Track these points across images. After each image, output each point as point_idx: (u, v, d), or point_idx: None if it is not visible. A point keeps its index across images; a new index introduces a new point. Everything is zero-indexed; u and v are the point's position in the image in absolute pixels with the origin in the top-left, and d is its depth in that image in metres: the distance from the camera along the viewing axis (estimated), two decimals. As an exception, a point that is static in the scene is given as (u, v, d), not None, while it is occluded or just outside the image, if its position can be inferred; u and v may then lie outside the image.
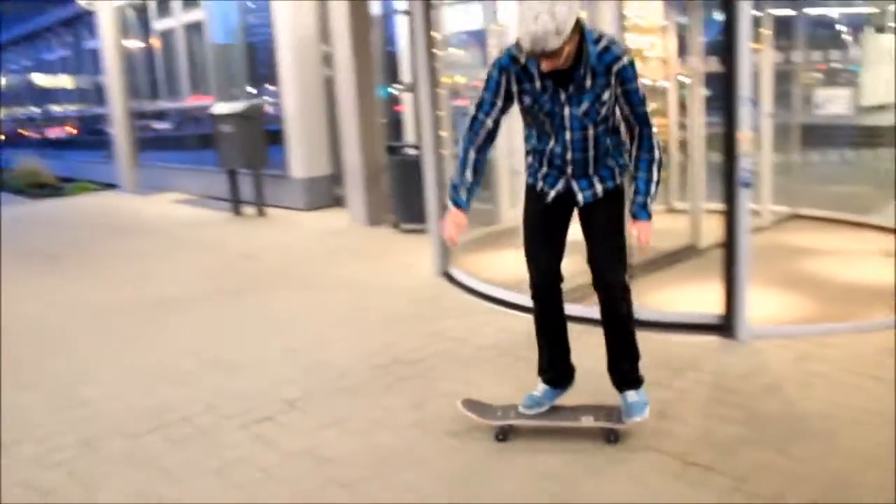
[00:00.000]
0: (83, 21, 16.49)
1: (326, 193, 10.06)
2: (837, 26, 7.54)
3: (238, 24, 11.31)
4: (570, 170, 3.20)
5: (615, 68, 3.00)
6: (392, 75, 9.60)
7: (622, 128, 3.22)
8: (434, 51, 6.15)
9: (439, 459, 3.31)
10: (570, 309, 3.46)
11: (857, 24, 7.45)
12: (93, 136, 18.00)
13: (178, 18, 12.51)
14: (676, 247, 6.09)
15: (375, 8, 8.95)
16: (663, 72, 6.71)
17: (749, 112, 4.21)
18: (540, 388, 3.49)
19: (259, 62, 11.17)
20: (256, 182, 9.96)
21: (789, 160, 7.28)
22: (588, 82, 3.02)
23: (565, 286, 3.39)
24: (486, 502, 2.98)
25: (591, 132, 3.12)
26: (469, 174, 3.23)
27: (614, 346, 3.39)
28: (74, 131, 20.24)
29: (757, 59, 6.21)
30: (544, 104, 3.10)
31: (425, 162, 6.26)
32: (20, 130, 25.07)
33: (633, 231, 3.22)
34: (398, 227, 8.13)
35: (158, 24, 13.13)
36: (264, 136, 10.00)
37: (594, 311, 3.41)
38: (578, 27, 2.91)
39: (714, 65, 6.03)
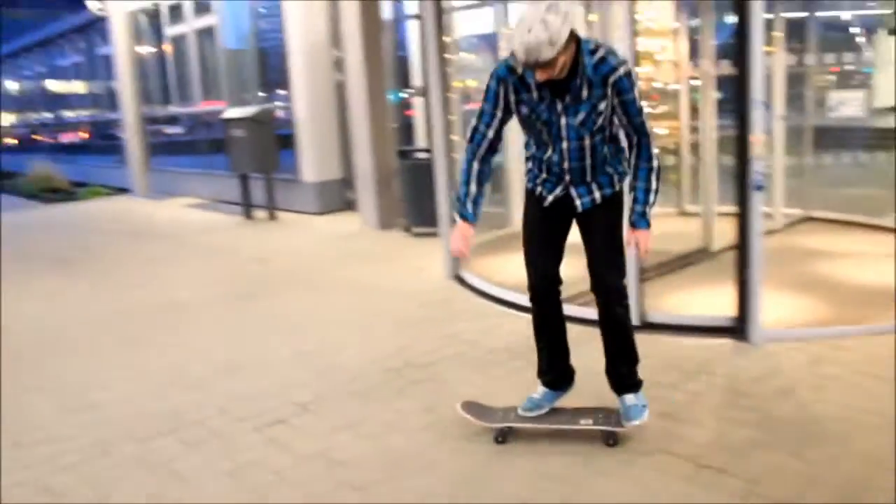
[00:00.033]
0: (96, 27, 16.59)
1: (338, 197, 10.08)
2: (850, 28, 7.51)
3: (250, 30, 11.36)
4: (567, 178, 3.23)
5: (611, 79, 3.01)
6: (403, 80, 9.62)
7: (621, 135, 3.23)
8: (445, 55, 6.16)
9: (452, 463, 3.30)
10: (574, 311, 3.46)
11: (870, 26, 7.42)
12: (105, 140, 18.10)
13: (190, 24, 12.57)
14: (688, 250, 6.08)
15: (386, 12, 8.97)
16: (675, 75, 6.70)
17: (761, 115, 4.20)
18: (539, 390, 3.51)
19: (270, 67, 11.21)
20: (268, 186, 9.99)
21: (802, 163, 7.26)
22: (584, 93, 3.04)
23: (573, 290, 3.39)
24: (505, 502, 2.98)
25: (587, 142, 3.15)
26: (473, 186, 3.25)
27: (612, 350, 3.41)
28: (87, 136, 20.35)
29: (769, 61, 6.19)
30: (541, 114, 3.13)
31: (437, 166, 6.27)
32: (34, 135, 25.24)
33: (633, 240, 3.24)
34: (409, 231, 8.14)
35: (170, 30, 13.19)
36: (275, 140, 10.04)
37: (595, 313, 3.42)
38: (574, 38, 2.94)
39: (726, 68, 6.03)
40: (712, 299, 4.90)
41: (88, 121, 20.30)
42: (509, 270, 5.83)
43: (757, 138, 4.19)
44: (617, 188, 3.28)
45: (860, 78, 7.16)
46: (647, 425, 3.44)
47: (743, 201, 4.26)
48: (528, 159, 3.36)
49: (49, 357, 5.12)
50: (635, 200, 3.20)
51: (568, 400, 3.53)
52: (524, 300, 5.02)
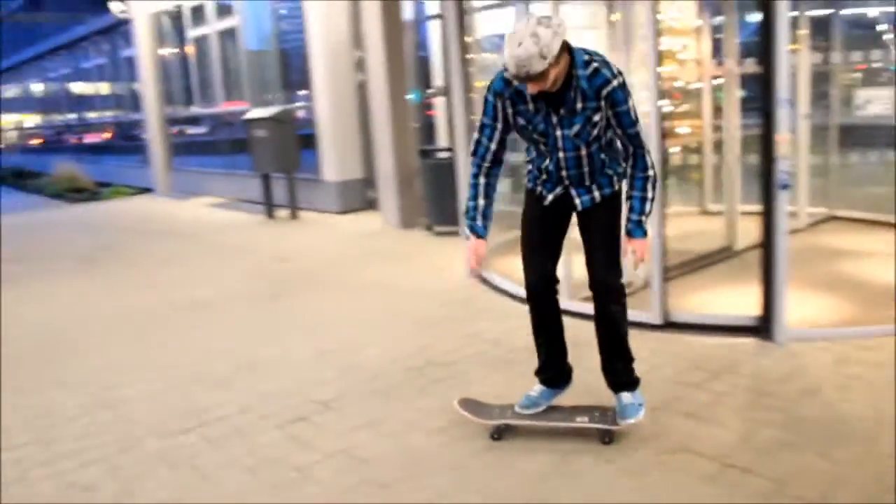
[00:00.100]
0: (120, 30, 16.74)
1: (359, 196, 10.11)
2: (877, 25, 7.42)
3: (271, 31, 11.42)
4: (566, 182, 3.26)
5: (605, 91, 3.02)
6: (424, 80, 9.63)
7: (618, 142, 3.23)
8: (467, 55, 6.15)
9: (473, 462, 3.30)
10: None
11: (897, 23, 7.33)
12: (128, 141, 18.26)
13: (212, 25, 12.66)
14: (712, 249, 6.04)
15: (408, 13, 8.99)
16: (697, 73, 6.65)
17: (787, 113, 4.16)
18: (537, 388, 3.53)
19: (292, 68, 11.26)
20: (290, 185, 10.04)
21: (827, 161, 7.18)
22: (579, 105, 3.06)
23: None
24: (522, 502, 2.96)
25: (584, 151, 3.18)
26: (482, 201, 3.28)
27: (608, 348, 3.41)
28: (110, 136, 20.54)
29: (794, 60, 6.13)
30: (538, 125, 3.15)
31: (458, 165, 6.26)
32: (58, 136, 25.51)
33: (630, 249, 3.24)
34: (431, 230, 8.15)
35: (193, 32, 13.28)
36: (297, 140, 10.09)
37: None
38: (566, 50, 2.94)
39: (750, 66, 5.98)
40: (736, 299, 4.87)
41: (112, 122, 20.48)
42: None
43: (782, 137, 4.15)
44: (616, 188, 3.30)
45: (887, 75, 7.06)
46: (671, 424, 3.43)
47: (768, 200, 4.23)
48: (528, 162, 3.40)
49: (73, 354, 5.17)
50: (631, 209, 3.22)
51: (567, 397, 3.54)
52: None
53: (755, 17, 4.19)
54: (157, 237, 9.95)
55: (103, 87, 21.04)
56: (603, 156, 3.21)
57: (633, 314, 4.56)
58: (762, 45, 4.15)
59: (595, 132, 3.11)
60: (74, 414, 4.13)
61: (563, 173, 3.23)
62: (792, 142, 5.42)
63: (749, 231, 5.33)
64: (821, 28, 6.94)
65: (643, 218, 3.21)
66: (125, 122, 18.82)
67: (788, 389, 3.76)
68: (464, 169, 6.17)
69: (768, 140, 4.17)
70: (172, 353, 5.05)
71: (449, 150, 7.79)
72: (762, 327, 4.37)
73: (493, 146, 3.24)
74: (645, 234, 3.22)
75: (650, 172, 3.19)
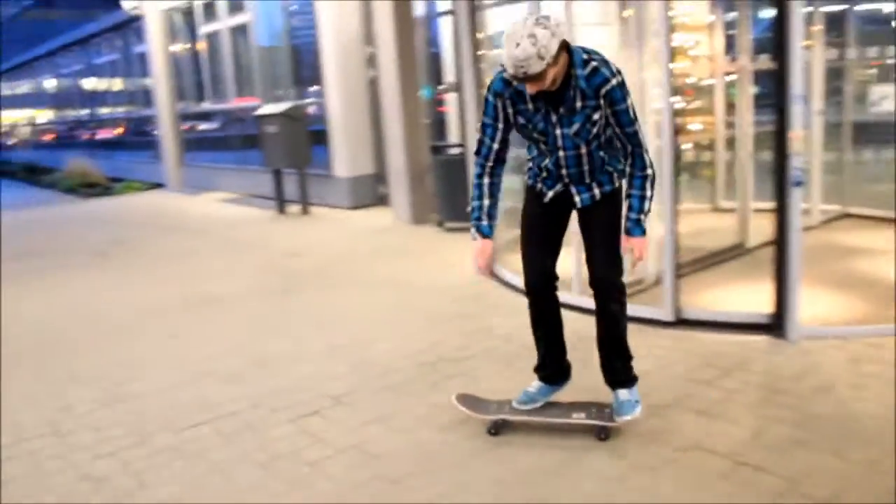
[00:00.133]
0: (132, 26, 16.80)
1: (370, 192, 10.13)
2: (893, 21, 7.37)
3: (283, 27, 11.44)
4: (567, 180, 3.26)
5: (603, 91, 3.02)
6: (436, 76, 9.63)
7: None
8: (478, 51, 6.14)
9: (484, 458, 3.30)
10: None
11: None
12: (140, 136, 18.34)
13: (224, 22, 12.68)
14: (724, 246, 6.02)
15: (419, 9, 8.99)
16: (710, 70, 6.62)
17: (800, 110, 4.14)
18: (535, 384, 3.53)
19: (303, 64, 11.28)
20: (301, 181, 10.06)
21: (840, 158, 7.14)
22: (578, 104, 3.06)
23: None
24: (535, 502, 2.96)
25: (583, 150, 3.18)
26: (486, 200, 3.29)
27: (607, 345, 3.41)
28: (122, 132, 20.62)
29: (808, 56, 6.10)
30: (537, 124, 3.16)
31: (469, 161, 6.25)
32: (71, 132, 25.62)
33: (628, 247, 3.24)
34: (442, 226, 8.15)
35: (204, 28, 13.32)
36: (308, 136, 10.10)
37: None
38: (565, 49, 2.94)
39: (763, 62, 5.95)
40: (748, 296, 4.85)
41: (124, 117, 20.56)
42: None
43: (796, 134, 4.13)
44: (617, 185, 3.30)
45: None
46: (683, 422, 3.42)
47: (781, 197, 4.21)
48: (528, 160, 3.40)
49: (86, 348, 5.20)
50: (630, 208, 3.22)
51: (565, 393, 3.54)
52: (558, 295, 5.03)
53: (768, 12, 4.16)
54: (168, 232, 9.99)
55: (116, 83, 21.12)
56: (602, 154, 3.20)
57: (644, 310, 4.61)
58: (776, 41, 4.13)
59: (594, 130, 3.11)
60: (88, 408, 4.15)
61: (563, 171, 3.23)
62: (805, 138, 5.40)
63: (761, 228, 5.30)
64: (835, 24, 6.90)
65: (642, 216, 3.21)
66: (137, 118, 18.89)
67: (801, 387, 3.74)
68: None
69: (782, 137, 4.15)
70: (185, 348, 5.07)
71: (460, 146, 7.79)
72: (775, 325, 4.35)
73: (496, 146, 3.26)
74: (644, 232, 3.22)
75: (649, 171, 3.19)
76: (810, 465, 3.02)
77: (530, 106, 3.13)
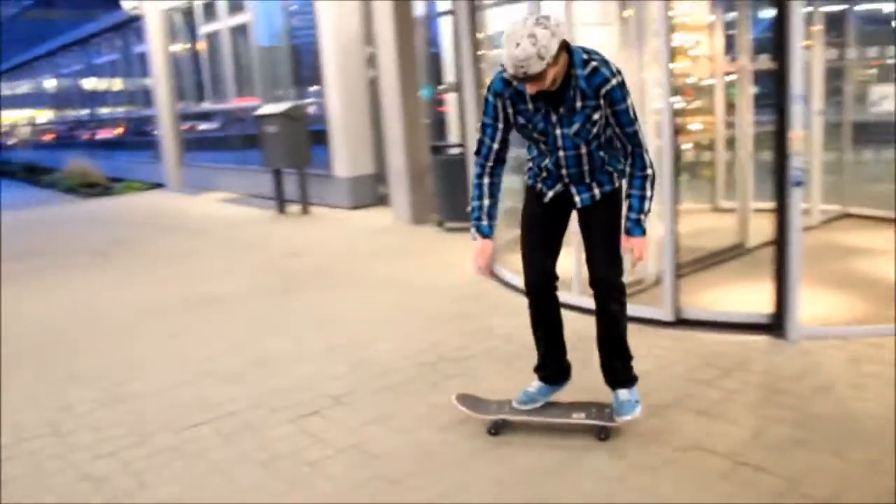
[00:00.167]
0: (132, 26, 16.80)
1: (370, 192, 10.13)
2: (893, 22, 7.37)
3: (283, 27, 11.44)
4: (566, 180, 3.27)
5: (603, 91, 3.02)
6: (436, 76, 9.62)
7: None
8: (479, 51, 6.14)
9: (484, 458, 3.30)
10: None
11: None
12: (140, 136, 18.34)
13: (224, 22, 12.69)
14: (724, 246, 6.02)
15: (419, 9, 8.99)
16: (710, 70, 6.62)
17: (800, 110, 4.14)
18: (535, 384, 3.53)
19: (303, 64, 11.28)
20: (301, 181, 10.06)
21: (840, 158, 7.14)
22: (578, 104, 3.06)
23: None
24: (535, 502, 2.96)
25: (584, 150, 3.18)
26: (486, 200, 3.29)
27: (607, 345, 3.41)
28: (122, 132, 20.63)
29: (808, 56, 6.10)
30: (537, 124, 3.16)
31: (469, 161, 6.25)
32: (71, 132, 25.62)
33: (629, 247, 3.24)
34: (442, 226, 8.15)
35: (204, 28, 13.32)
36: (308, 136, 10.11)
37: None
38: (565, 49, 2.94)
39: (763, 62, 5.95)
40: (748, 296, 4.85)
41: (124, 117, 20.57)
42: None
43: (796, 134, 4.13)
44: (617, 185, 3.30)
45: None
46: (683, 422, 3.42)
47: (781, 197, 4.20)
48: (529, 160, 3.40)
49: (86, 348, 5.20)
50: (630, 208, 3.22)
51: (565, 393, 3.54)
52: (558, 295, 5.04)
53: (768, 12, 4.16)
54: (168, 232, 9.99)
55: (116, 83, 21.12)
56: (602, 153, 3.20)
57: (644, 310, 4.61)
58: (776, 41, 4.13)
59: (594, 130, 3.11)
60: (88, 408, 4.15)
61: (563, 171, 3.23)
62: (805, 138, 5.40)
63: (761, 228, 5.31)
64: (835, 24, 6.90)
65: (642, 217, 3.20)
66: (137, 118, 18.89)
67: (801, 387, 3.74)
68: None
69: (782, 137, 4.15)
70: (185, 348, 5.07)
71: (460, 146, 7.79)
72: (775, 325, 4.35)
73: (496, 146, 3.26)
74: (644, 232, 3.22)
75: (649, 171, 3.19)
76: (810, 465, 3.02)
77: (530, 106, 3.13)
